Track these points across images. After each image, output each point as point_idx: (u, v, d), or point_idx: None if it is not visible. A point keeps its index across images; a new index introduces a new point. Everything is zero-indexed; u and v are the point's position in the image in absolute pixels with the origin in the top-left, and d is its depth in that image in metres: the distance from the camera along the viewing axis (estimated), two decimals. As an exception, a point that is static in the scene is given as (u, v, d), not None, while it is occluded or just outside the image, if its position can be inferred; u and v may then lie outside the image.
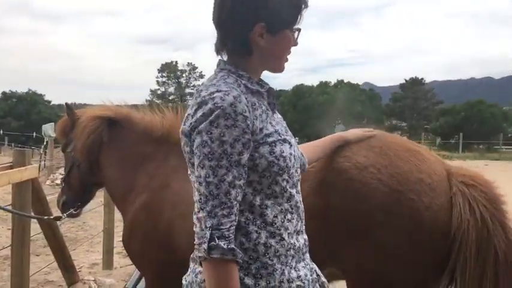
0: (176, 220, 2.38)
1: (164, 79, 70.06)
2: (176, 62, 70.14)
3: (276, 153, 1.35)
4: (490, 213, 1.99)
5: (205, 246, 1.24)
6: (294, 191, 1.44)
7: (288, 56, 1.48)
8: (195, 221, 1.31)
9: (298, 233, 1.46)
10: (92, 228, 8.25)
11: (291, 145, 1.43)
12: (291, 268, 1.40)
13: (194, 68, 70.26)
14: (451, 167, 2.16)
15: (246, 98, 1.33)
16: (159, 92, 69.48)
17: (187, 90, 67.00)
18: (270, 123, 1.40)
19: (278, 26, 1.40)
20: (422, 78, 68.66)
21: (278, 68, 1.49)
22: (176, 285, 1.50)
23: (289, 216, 1.41)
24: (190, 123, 1.31)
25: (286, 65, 1.50)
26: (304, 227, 1.51)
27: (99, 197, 7.81)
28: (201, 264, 1.31)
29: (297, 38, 1.47)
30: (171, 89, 69.59)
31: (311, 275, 1.46)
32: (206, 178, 1.26)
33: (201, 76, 68.07)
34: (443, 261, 2.00)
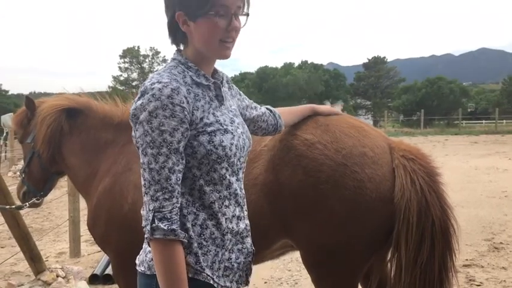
0: (140, 200, 2.44)
1: (127, 65, 68.80)
2: (138, 46, 68.86)
3: (214, 142, 1.43)
4: (428, 185, 2.17)
5: (148, 227, 1.34)
6: (233, 179, 1.52)
7: (228, 41, 1.48)
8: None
9: (238, 218, 1.56)
10: (58, 218, 8.21)
11: (234, 135, 1.49)
12: (225, 250, 1.51)
13: (157, 52, 69.19)
14: (392, 142, 2.32)
15: (188, 90, 1.42)
16: (121, 78, 68.21)
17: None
18: (213, 113, 1.48)
19: (194, 13, 1.43)
20: (384, 57, 69.83)
21: (215, 53, 1.49)
22: None
23: (227, 202, 1.50)
24: (132, 110, 1.40)
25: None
26: (246, 212, 1.62)
27: (64, 186, 7.78)
28: (149, 245, 1.40)
29: (245, 22, 1.50)
30: (134, 75, 68.37)
31: (244, 259, 1.58)
32: (149, 165, 1.34)
33: (164, 60, 67.16)
34: (388, 228, 2.17)
